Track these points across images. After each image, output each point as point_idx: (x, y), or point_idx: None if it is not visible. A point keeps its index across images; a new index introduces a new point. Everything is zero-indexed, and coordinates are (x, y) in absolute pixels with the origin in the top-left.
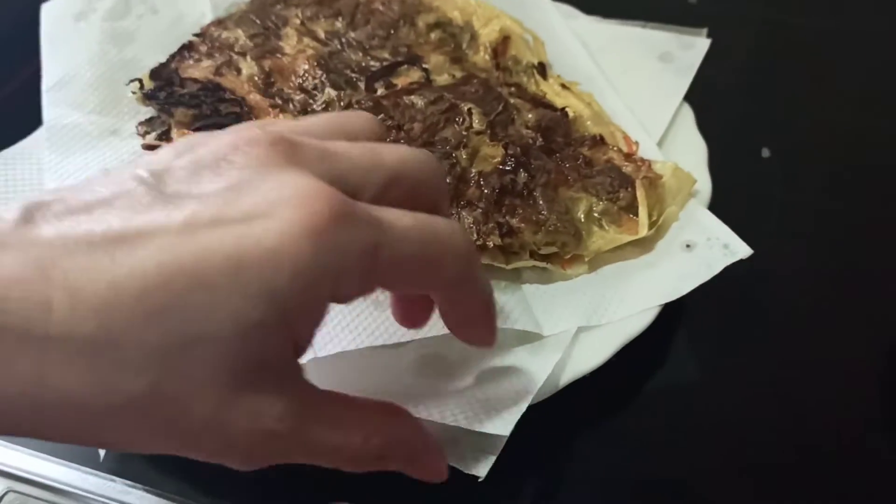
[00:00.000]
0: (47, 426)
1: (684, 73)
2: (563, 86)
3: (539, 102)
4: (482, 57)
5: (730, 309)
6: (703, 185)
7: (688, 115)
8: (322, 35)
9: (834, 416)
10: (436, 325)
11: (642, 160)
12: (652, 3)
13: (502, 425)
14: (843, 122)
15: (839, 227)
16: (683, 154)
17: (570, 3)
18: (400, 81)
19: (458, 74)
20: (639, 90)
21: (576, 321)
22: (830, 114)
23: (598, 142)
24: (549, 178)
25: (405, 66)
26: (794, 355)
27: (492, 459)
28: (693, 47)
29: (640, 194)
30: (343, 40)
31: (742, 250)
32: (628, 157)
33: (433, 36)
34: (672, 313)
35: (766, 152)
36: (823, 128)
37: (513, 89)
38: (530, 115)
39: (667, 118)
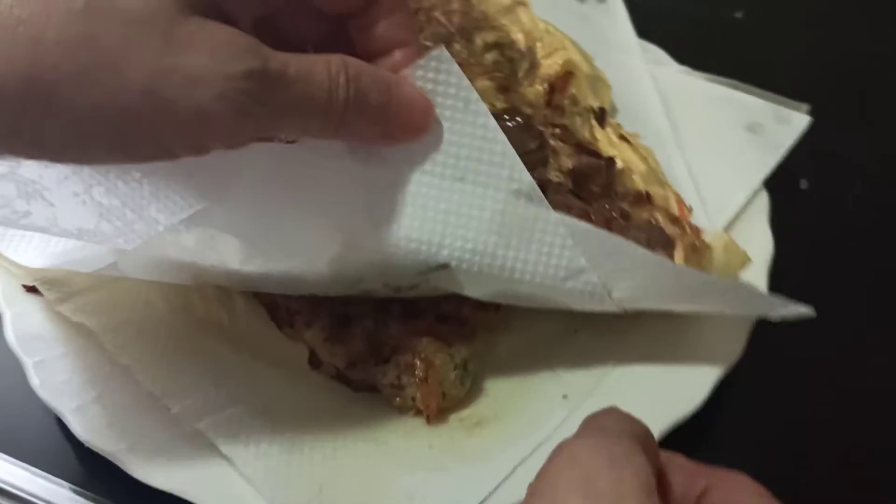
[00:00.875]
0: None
1: (772, 151)
2: (623, 137)
3: (583, 149)
4: (536, 89)
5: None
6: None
7: (762, 203)
8: None
9: None
10: None
11: (692, 226)
12: (694, 14)
13: None
14: None
15: None
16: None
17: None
18: None
19: (501, 105)
20: (715, 161)
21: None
22: None
23: (643, 199)
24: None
25: None
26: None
27: None
28: (789, 122)
29: (679, 258)
30: None
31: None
32: (675, 220)
33: (489, 57)
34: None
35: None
36: None
37: (557, 130)
38: (568, 161)
39: (739, 201)
